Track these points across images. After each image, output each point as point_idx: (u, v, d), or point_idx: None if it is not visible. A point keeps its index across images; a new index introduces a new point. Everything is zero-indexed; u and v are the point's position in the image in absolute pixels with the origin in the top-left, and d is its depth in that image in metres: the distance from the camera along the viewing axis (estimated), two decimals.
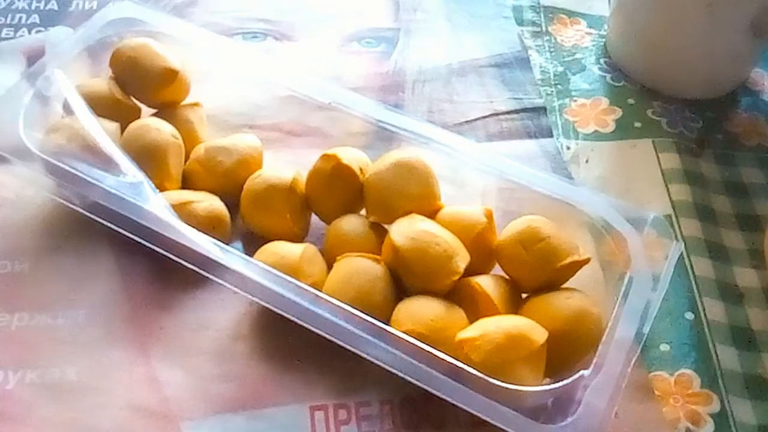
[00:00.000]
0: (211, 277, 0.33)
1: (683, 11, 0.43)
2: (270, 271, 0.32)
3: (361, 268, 0.33)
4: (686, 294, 0.37)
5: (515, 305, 0.33)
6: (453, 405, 0.29)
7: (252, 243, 0.36)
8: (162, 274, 0.35)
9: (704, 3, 0.42)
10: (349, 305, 0.31)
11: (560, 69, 0.48)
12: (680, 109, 0.46)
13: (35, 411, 0.31)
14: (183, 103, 0.40)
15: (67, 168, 0.34)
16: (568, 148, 0.44)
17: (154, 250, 0.33)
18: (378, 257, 0.34)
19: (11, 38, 0.46)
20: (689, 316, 0.37)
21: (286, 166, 0.38)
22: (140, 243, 0.34)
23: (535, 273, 0.33)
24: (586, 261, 0.33)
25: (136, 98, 0.40)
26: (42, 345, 0.33)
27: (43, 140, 0.36)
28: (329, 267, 0.34)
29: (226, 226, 0.36)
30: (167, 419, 0.32)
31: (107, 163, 0.35)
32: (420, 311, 0.32)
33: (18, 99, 0.37)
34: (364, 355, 0.30)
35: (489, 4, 0.52)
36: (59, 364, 0.33)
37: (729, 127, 0.46)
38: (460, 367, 0.29)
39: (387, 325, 0.31)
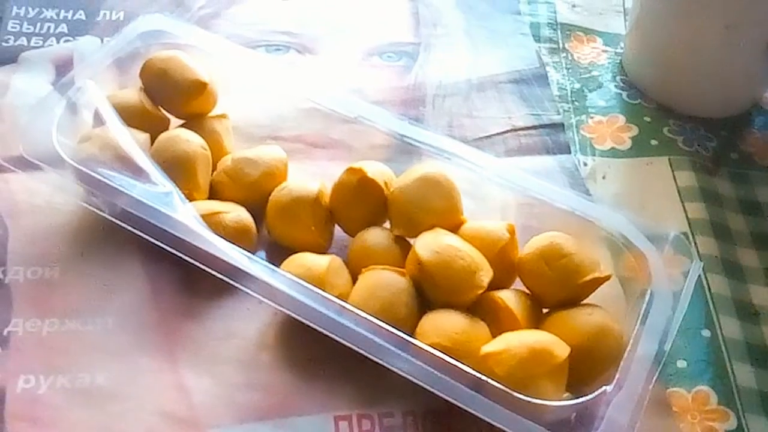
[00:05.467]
0: (238, 286, 0.33)
1: (700, 32, 0.44)
2: (297, 281, 0.33)
3: (386, 280, 0.33)
4: (703, 311, 0.38)
5: (536, 320, 0.34)
6: (475, 417, 0.30)
7: (276, 253, 0.36)
8: (189, 282, 0.36)
9: (722, 24, 0.43)
10: (374, 317, 0.32)
11: (577, 86, 0.49)
12: (695, 128, 0.47)
13: (66, 416, 0.32)
14: (210, 114, 0.41)
15: (99, 177, 0.35)
16: (586, 164, 0.44)
17: (182, 258, 0.34)
18: (402, 270, 0.34)
19: (40, 47, 0.46)
20: (706, 333, 0.37)
21: (309, 177, 0.38)
22: (168, 252, 0.34)
23: (557, 288, 0.34)
24: (607, 278, 0.34)
25: (165, 109, 0.40)
26: (72, 350, 0.34)
27: (74, 149, 0.36)
28: (353, 279, 0.35)
29: (252, 237, 0.37)
30: (195, 426, 0.32)
31: (138, 173, 0.36)
32: (444, 324, 0.32)
33: (50, 108, 0.37)
34: (389, 367, 0.31)
35: (507, 20, 0.53)
36: (89, 369, 0.33)
37: (743, 146, 0.46)
38: (484, 380, 0.30)
39: (411, 337, 0.31)
